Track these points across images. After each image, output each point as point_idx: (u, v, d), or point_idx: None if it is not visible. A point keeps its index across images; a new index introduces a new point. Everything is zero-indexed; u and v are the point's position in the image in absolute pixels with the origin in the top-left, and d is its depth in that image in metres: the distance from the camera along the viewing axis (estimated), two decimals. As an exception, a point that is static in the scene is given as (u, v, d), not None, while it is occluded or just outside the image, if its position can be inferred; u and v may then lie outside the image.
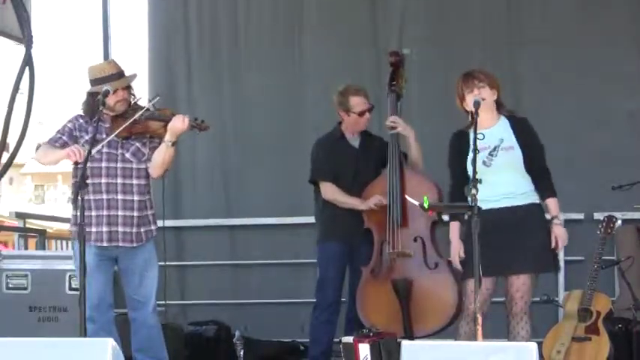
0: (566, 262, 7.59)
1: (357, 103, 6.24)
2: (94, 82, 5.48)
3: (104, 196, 5.40)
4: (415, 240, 5.98)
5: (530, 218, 5.27)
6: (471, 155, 5.00)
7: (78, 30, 63.06)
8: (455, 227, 5.37)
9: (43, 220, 10.74)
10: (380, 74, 7.45)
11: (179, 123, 5.27)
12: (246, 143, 8.27)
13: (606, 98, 7.66)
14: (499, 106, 5.38)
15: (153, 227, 5.53)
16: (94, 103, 5.40)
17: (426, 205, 4.99)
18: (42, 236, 8.75)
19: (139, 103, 5.56)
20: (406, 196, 5.76)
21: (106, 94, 5.30)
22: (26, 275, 6.95)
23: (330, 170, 6.22)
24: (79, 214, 5.20)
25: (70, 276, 6.90)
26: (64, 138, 5.45)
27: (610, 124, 7.65)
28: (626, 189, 6.75)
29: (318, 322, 6.23)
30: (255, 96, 8.26)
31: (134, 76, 5.63)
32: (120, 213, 5.40)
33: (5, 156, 5.17)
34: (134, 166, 5.43)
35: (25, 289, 6.94)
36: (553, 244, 5.31)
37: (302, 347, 7.34)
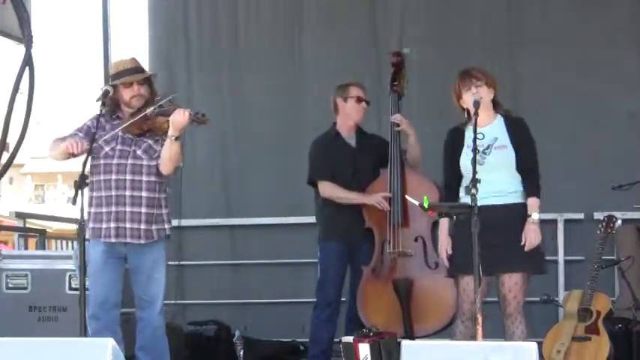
0: (566, 262, 7.62)
1: (355, 90, 6.26)
2: (112, 77, 5.53)
3: (113, 193, 5.41)
4: (416, 240, 5.99)
5: (521, 218, 5.25)
6: (470, 155, 4.99)
7: (78, 30, 63.09)
8: (444, 223, 5.35)
9: (43, 220, 10.73)
10: (380, 74, 7.46)
11: (179, 117, 5.26)
12: (246, 143, 8.27)
13: (606, 98, 7.66)
14: (496, 105, 5.37)
15: (166, 226, 5.49)
16: (113, 98, 5.45)
17: (426, 205, 4.99)
18: (42, 236, 8.74)
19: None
20: (406, 196, 5.76)
21: (106, 93, 5.34)
22: (26, 275, 6.94)
23: (328, 169, 6.22)
24: (92, 210, 5.37)
25: (70, 276, 6.89)
26: (80, 134, 5.45)
27: (610, 123, 7.65)
28: (626, 189, 6.75)
29: (318, 322, 6.23)
30: (255, 96, 8.27)
31: (153, 74, 5.64)
32: (128, 209, 5.40)
33: (5, 156, 5.17)
34: (144, 162, 5.43)
35: (25, 288, 6.93)
36: (522, 242, 5.24)
37: (302, 347, 7.34)
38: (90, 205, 5.44)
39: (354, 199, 6.13)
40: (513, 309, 5.22)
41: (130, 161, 5.42)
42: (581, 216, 7.60)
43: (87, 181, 5.00)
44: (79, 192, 4.92)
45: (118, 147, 5.45)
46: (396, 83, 6.27)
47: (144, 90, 5.48)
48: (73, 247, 8.72)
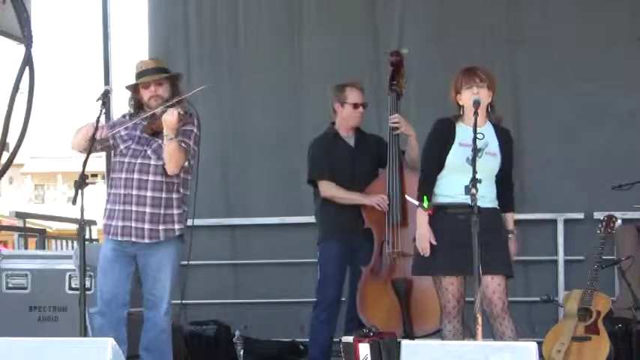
0: (566, 261, 7.62)
1: (353, 94, 6.25)
2: (135, 77, 5.55)
3: (122, 191, 5.43)
4: (415, 240, 5.98)
5: (497, 221, 5.27)
6: (462, 152, 5.01)
7: (78, 30, 63.10)
8: (423, 216, 5.24)
9: (43, 220, 10.74)
10: (380, 74, 7.46)
11: (169, 116, 5.26)
12: (246, 143, 8.27)
13: (606, 98, 7.66)
14: (491, 108, 5.35)
15: (176, 227, 5.48)
16: (133, 96, 5.52)
17: (425, 205, 4.99)
18: (42, 236, 8.75)
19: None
20: (406, 196, 5.77)
21: (106, 93, 5.37)
22: (26, 275, 6.94)
23: (327, 168, 6.22)
24: (107, 207, 5.42)
25: (70, 276, 6.89)
26: (108, 134, 5.46)
27: (610, 123, 7.65)
28: (626, 189, 6.75)
29: (318, 322, 6.23)
30: (255, 96, 8.27)
31: (175, 75, 5.62)
32: (134, 208, 5.40)
33: (5, 156, 5.17)
34: (152, 162, 5.43)
35: (25, 288, 6.93)
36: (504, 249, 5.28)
37: (302, 347, 7.34)
38: (106, 201, 5.51)
39: (355, 199, 6.13)
40: (500, 310, 5.18)
41: (139, 160, 5.44)
42: (581, 216, 7.60)
43: (87, 180, 4.99)
44: (79, 192, 4.92)
45: (133, 146, 5.48)
46: (394, 83, 6.26)
47: (162, 90, 5.48)
48: (73, 247, 8.73)
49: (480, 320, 4.67)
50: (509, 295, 5.28)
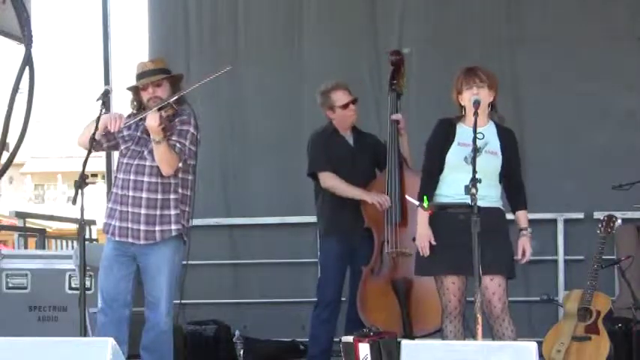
0: (566, 261, 7.63)
1: (338, 97, 6.24)
2: (135, 79, 5.57)
3: (119, 192, 5.45)
4: (415, 239, 5.97)
5: (500, 222, 5.25)
6: (470, 154, 4.99)
7: (78, 30, 63.09)
8: (424, 215, 5.25)
9: (42, 220, 10.74)
10: (380, 74, 7.47)
11: (151, 119, 5.25)
12: (245, 143, 8.27)
13: (606, 98, 7.66)
14: (493, 108, 5.35)
15: (173, 227, 5.45)
16: (135, 98, 5.53)
17: (425, 205, 4.99)
18: (42, 235, 8.76)
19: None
20: (406, 196, 5.77)
21: (106, 93, 5.37)
22: (26, 274, 6.95)
23: (327, 160, 6.20)
24: (108, 205, 5.44)
25: (69, 275, 6.90)
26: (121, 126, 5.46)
27: (610, 123, 7.66)
28: (626, 188, 6.75)
29: (318, 321, 6.24)
30: (255, 96, 8.27)
31: (176, 76, 5.61)
32: (130, 209, 5.41)
33: (5, 155, 5.17)
34: (147, 163, 5.43)
35: (25, 288, 6.94)
36: (519, 255, 5.29)
37: (302, 347, 7.34)
38: (108, 200, 5.56)
39: (355, 193, 6.11)
40: (500, 311, 5.18)
41: (135, 162, 5.44)
42: (581, 216, 7.60)
43: (87, 180, 4.99)
44: (79, 192, 4.92)
45: (132, 147, 5.49)
46: (395, 82, 6.27)
47: (161, 92, 5.47)
48: (73, 247, 8.74)
49: (480, 320, 4.67)
50: (510, 295, 5.28)
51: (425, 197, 5.09)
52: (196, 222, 8.06)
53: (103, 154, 7.68)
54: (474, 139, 4.96)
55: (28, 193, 37.37)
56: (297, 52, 8.27)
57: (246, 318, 7.72)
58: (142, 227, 5.40)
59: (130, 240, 5.41)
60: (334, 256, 6.23)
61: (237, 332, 7.24)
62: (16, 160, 5.30)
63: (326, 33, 8.21)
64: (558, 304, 6.79)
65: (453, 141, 5.24)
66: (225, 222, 8.24)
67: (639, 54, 7.67)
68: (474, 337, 4.78)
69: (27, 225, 8.76)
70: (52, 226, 11.78)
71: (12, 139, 5.12)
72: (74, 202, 4.95)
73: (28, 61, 4.94)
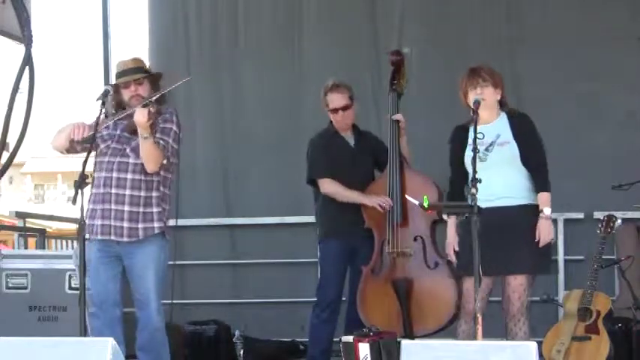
0: (566, 261, 7.62)
1: (332, 99, 6.24)
2: (115, 77, 5.57)
3: (101, 190, 5.42)
4: (415, 239, 5.99)
5: (527, 218, 5.26)
6: (470, 154, 5.00)
7: (78, 30, 63.08)
8: (452, 221, 5.40)
9: (42, 220, 10.73)
10: (380, 74, 7.47)
11: (139, 115, 5.22)
12: (245, 143, 8.27)
13: (606, 97, 7.67)
14: (502, 105, 5.37)
15: (155, 225, 5.45)
16: (117, 99, 5.51)
17: (425, 205, 4.99)
18: (42, 235, 8.74)
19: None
20: (406, 196, 5.76)
21: (106, 93, 5.36)
22: (26, 274, 6.95)
23: (327, 167, 6.21)
24: (89, 207, 5.38)
25: (69, 275, 6.90)
26: (84, 122, 5.46)
27: (610, 123, 7.66)
28: (625, 188, 6.75)
29: (318, 321, 6.23)
30: (255, 95, 8.27)
31: (155, 74, 5.61)
32: (113, 207, 5.40)
33: (5, 155, 5.17)
34: (131, 160, 5.43)
35: (25, 288, 6.94)
36: (537, 238, 5.25)
37: (302, 347, 7.34)
38: (88, 201, 5.49)
39: (356, 198, 6.12)
40: (517, 310, 5.23)
41: (118, 159, 5.43)
42: (581, 216, 7.60)
43: (87, 180, 4.99)
44: (79, 191, 4.92)
45: (113, 145, 5.48)
46: (395, 82, 6.26)
47: (142, 90, 5.48)
48: (73, 247, 8.73)
49: (480, 320, 4.67)
50: (533, 294, 5.31)
51: (425, 197, 5.10)
52: (196, 222, 8.14)
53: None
54: (474, 139, 4.98)
55: (28, 193, 37.38)
56: (297, 51, 8.27)
57: (246, 318, 7.71)
58: (125, 224, 5.39)
59: (113, 237, 5.40)
60: (334, 256, 6.23)
61: (237, 332, 7.24)
62: (16, 160, 5.30)
63: (326, 33, 8.21)
64: (558, 304, 6.78)
65: (466, 143, 5.25)
66: (225, 222, 8.24)
67: (639, 54, 7.67)
68: (473, 337, 4.78)
69: (27, 225, 8.75)
70: (52, 226, 11.77)
71: (12, 139, 5.11)
72: (74, 202, 4.95)
73: (28, 61, 4.94)
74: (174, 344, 6.05)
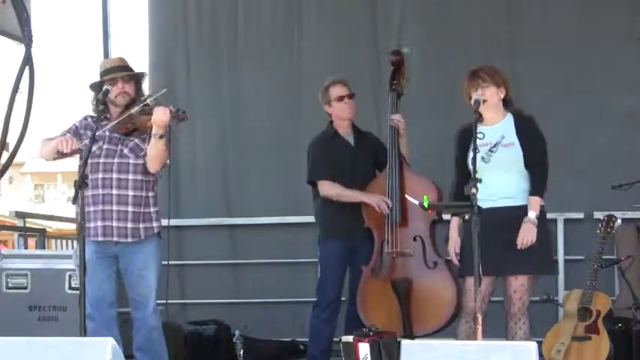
0: (566, 261, 7.62)
1: (335, 90, 6.25)
2: (100, 76, 5.55)
3: (100, 191, 5.41)
4: (415, 239, 5.99)
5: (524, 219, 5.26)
6: (471, 154, 5.00)
7: (78, 30, 63.07)
8: (455, 222, 5.41)
9: (42, 220, 10.73)
10: (380, 74, 7.46)
11: (161, 114, 5.23)
12: (245, 143, 8.27)
13: (606, 97, 7.67)
14: (507, 104, 5.36)
15: (155, 224, 5.48)
16: (97, 97, 5.48)
17: (425, 205, 5.00)
18: (42, 235, 8.75)
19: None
20: (406, 196, 5.77)
21: (106, 93, 5.35)
22: (26, 274, 6.95)
23: (327, 169, 6.21)
24: (90, 209, 5.36)
25: (69, 275, 6.90)
26: (69, 135, 5.45)
27: (610, 123, 7.66)
28: (625, 188, 6.75)
29: (318, 321, 6.23)
30: (255, 96, 8.27)
31: (140, 74, 5.62)
32: (114, 208, 5.40)
33: (5, 155, 5.17)
34: (131, 161, 5.43)
35: (25, 288, 6.94)
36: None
37: (302, 346, 7.34)
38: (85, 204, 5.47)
39: (355, 197, 6.12)
40: (517, 309, 5.24)
41: (116, 160, 5.43)
42: (581, 216, 7.60)
43: (87, 181, 4.98)
44: (79, 192, 4.92)
45: (105, 146, 5.46)
46: (395, 82, 6.26)
47: (129, 88, 5.48)
48: (72, 247, 8.73)
49: (480, 320, 4.67)
50: (533, 294, 5.30)
51: (425, 197, 5.10)
52: (196, 222, 8.15)
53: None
54: (474, 138, 4.98)
55: (28, 193, 37.38)
56: (297, 52, 8.27)
57: (246, 318, 7.71)
58: (129, 225, 5.40)
59: (116, 238, 5.40)
60: (334, 256, 6.23)
61: (237, 332, 7.24)
62: (16, 160, 5.29)
63: (326, 33, 8.21)
64: (558, 304, 6.79)
65: (470, 145, 5.25)
66: (225, 222, 8.24)
67: (639, 54, 7.66)
68: (473, 337, 4.79)
69: (27, 225, 8.75)
70: (52, 226, 11.77)
71: (12, 139, 5.11)
72: (74, 202, 4.95)
73: (28, 61, 4.93)
74: (174, 344, 6.06)
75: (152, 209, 5.50)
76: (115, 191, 5.40)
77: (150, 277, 5.45)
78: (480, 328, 4.66)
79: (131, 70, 5.56)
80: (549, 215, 7.48)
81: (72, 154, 5.45)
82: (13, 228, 9.29)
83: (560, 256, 7.63)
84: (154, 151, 5.34)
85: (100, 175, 5.43)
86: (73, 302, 6.28)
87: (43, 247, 8.40)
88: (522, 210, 5.26)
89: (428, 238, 5.98)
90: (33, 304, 6.88)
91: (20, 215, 8.82)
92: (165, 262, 5.63)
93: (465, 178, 5.27)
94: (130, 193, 5.42)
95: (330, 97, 6.26)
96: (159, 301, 5.59)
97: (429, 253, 5.95)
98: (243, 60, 8.35)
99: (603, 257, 6.20)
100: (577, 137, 7.67)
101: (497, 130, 5.27)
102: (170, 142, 5.52)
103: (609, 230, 6.25)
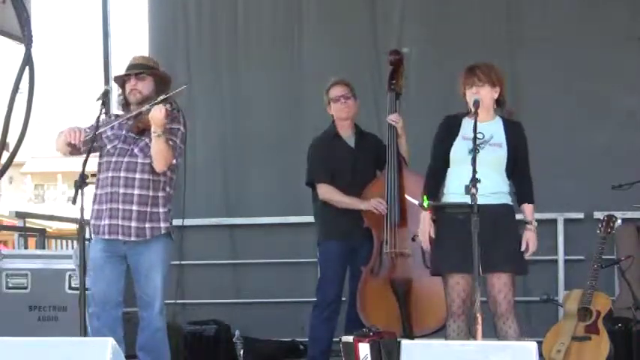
0: (566, 261, 7.63)
1: (334, 91, 6.26)
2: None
3: (108, 190, 5.43)
4: (414, 239, 5.98)
5: (506, 219, 5.24)
6: (464, 145, 5.04)
7: (78, 30, 63.07)
8: (427, 217, 5.28)
9: (42, 220, 10.73)
10: (380, 74, 7.47)
11: (156, 113, 5.24)
12: (245, 143, 8.27)
13: (606, 97, 7.67)
14: (500, 104, 5.35)
15: (162, 225, 5.45)
16: (122, 92, 5.54)
17: (425, 205, 4.99)
18: (42, 235, 8.74)
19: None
20: (406, 196, 5.77)
21: (106, 93, 5.38)
22: (26, 274, 6.95)
23: (326, 170, 6.22)
24: (94, 207, 5.41)
25: (69, 275, 6.90)
26: (82, 128, 5.46)
27: (610, 123, 7.66)
28: (625, 188, 6.75)
29: (318, 322, 6.23)
30: (255, 96, 8.27)
31: (163, 75, 5.60)
32: (120, 206, 5.40)
33: (5, 155, 5.17)
34: (139, 160, 5.43)
35: (25, 288, 6.93)
36: (524, 247, 5.25)
37: (302, 347, 7.34)
38: (93, 202, 5.49)
39: (352, 204, 6.13)
40: (505, 309, 5.19)
41: (126, 159, 5.44)
42: (581, 216, 7.60)
43: (87, 180, 4.99)
44: (79, 192, 4.92)
45: (119, 145, 5.48)
46: (393, 82, 6.27)
47: (142, 86, 5.48)
48: (73, 247, 8.73)
49: (480, 320, 4.67)
50: (529, 295, 5.27)
51: (425, 197, 5.10)
52: (196, 222, 8.14)
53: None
54: (474, 138, 4.97)
55: (28, 193, 37.36)
56: (297, 52, 8.28)
57: (246, 318, 7.72)
58: (133, 224, 5.39)
59: (121, 237, 5.40)
60: (334, 257, 6.23)
61: (237, 332, 7.24)
62: (16, 160, 5.30)
63: (326, 33, 8.21)
64: (558, 304, 6.79)
65: (457, 135, 5.25)
66: (225, 222, 8.24)
67: (639, 54, 7.67)
68: (473, 337, 4.78)
69: (27, 225, 8.75)
70: (52, 226, 11.77)
71: (12, 139, 5.11)
72: (74, 202, 4.96)
73: (28, 61, 4.94)
74: (175, 344, 6.05)
75: (161, 209, 5.47)
76: (121, 190, 5.41)
77: (156, 278, 5.44)
78: (479, 328, 4.65)
79: (146, 68, 5.54)
80: (549, 215, 7.57)
81: (85, 150, 5.45)
82: (13, 228, 9.29)
83: (560, 256, 7.63)
84: (154, 150, 5.35)
85: (110, 174, 5.44)
86: (73, 302, 6.27)
87: (43, 247, 8.39)
88: (505, 208, 5.23)
89: (428, 238, 5.98)
90: (33, 304, 6.88)
91: (20, 215, 8.82)
92: (176, 262, 5.61)
93: (441, 165, 5.26)
94: (136, 192, 5.41)
95: (329, 97, 6.28)
96: (167, 301, 5.58)
97: (429, 253, 5.95)
98: (243, 60, 8.35)
99: (603, 257, 6.20)
100: (577, 137, 7.67)
101: (487, 129, 5.23)
102: (185, 142, 5.53)
103: (609, 230, 6.26)
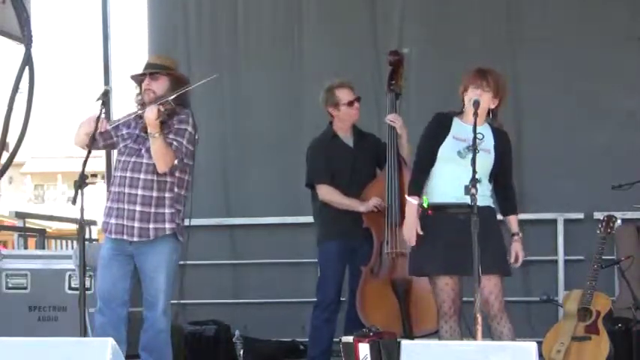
0: (566, 261, 7.63)
1: (343, 94, 6.24)
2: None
3: (117, 189, 5.45)
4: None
5: (492, 220, 5.24)
6: (464, 149, 5.04)
7: (78, 30, 63.10)
8: (413, 207, 5.25)
9: (42, 220, 10.74)
10: (380, 74, 7.46)
11: (149, 113, 5.25)
12: (246, 143, 8.27)
13: (606, 97, 7.67)
14: (492, 115, 5.33)
15: (167, 226, 5.42)
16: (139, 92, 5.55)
17: (425, 205, 4.99)
18: (42, 236, 8.76)
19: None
20: (406, 196, 5.76)
21: (106, 93, 5.39)
22: (26, 275, 6.95)
23: (326, 171, 6.22)
24: (107, 205, 5.41)
25: (69, 275, 6.90)
26: (108, 127, 5.47)
27: (610, 123, 7.66)
28: (625, 188, 6.75)
29: (318, 322, 6.24)
30: (255, 96, 8.27)
31: (179, 76, 5.59)
32: (125, 206, 5.41)
33: (5, 155, 5.18)
34: (144, 160, 5.43)
35: (25, 288, 6.93)
36: (512, 259, 5.29)
37: (302, 347, 7.34)
38: (107, 199, 5.56)
39: (351, 205, 6.12)
40: (497, 310, 5.18)
41: (132, 159, 5.44)
42: (581, 216, 7.60)
43: (87, 181, 4.99)
44: (79, 192, 4.92)
45: (130, 144, 5.49)
46: (393, 82, 6.26)
47: (155, 86, 5.47)
48: (72, 247, 8.74)
49: (479, 320, 4.67)
50: (509, 295, 5.28)
51: (425, 198, 5.09)
52: (196, 222, 8.05)
53: (103, 153, 7.68)
54: (474, 139, 4.97)
55: (28, 193, 37.37)
56: (297, 52, 8.27)
57: (246, 318, 7.72)
58: (136, 224, 5.39)
59: (125, 237, 5.40)
60: (334, 257, 6.23)
61: (237, 332, 7.24)
62: (16, 160, 5.32)
63: (326, 33, 8.21)
64: (558, 304, 6.79)
65: (447, 134, 5.24)
66: (225, 222, 8.24)
67: (639, 54, 7.67)
68: (473, 337, 4.78)
69: (27, 225, 8.76)
70: (52, 226, 11.79)
71: (12, 139, 5.12)
72: (74, 202, 4.96)
73: (28, 61, 4.95)
74: (175, 344, 6.04)
75: (167, 210, 5.44)
76: (127, 190, 5.42)
77: (159, 280, 5.43)
78: (479, 328, 4.65)
79: (161, 68, 5.53)
80: (549, 215, 7.57)
81: (104, 145, 5.54)
82: (13, 228, 9.30)
83: (560, 256, 7.64)
84: (152, 150, 5.35)
85: (119, 173, 5.47)
86: (73, 302, 6.27)
87: (43, 248, 8.41)
88: (489, 211, 5.23)
89: (428, 239, 5.97)
90: (33, 304, 6.88)
91: (20, 215, 8.83)
92: (182, 262, 5.59)
93: (427, 162, 5.24)
94: (140, 192, 5.41)
95: (337, 99, 6.24)
96: (172, 301, 5.58)
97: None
98: (243, 60, 8.35)
99: (603, 257, 6.20)
100: (577, 137, 7.67)
101: (480, 135, 5.22)
102: (195, 144, 5.52)
103: (609, 230, 6.26)
